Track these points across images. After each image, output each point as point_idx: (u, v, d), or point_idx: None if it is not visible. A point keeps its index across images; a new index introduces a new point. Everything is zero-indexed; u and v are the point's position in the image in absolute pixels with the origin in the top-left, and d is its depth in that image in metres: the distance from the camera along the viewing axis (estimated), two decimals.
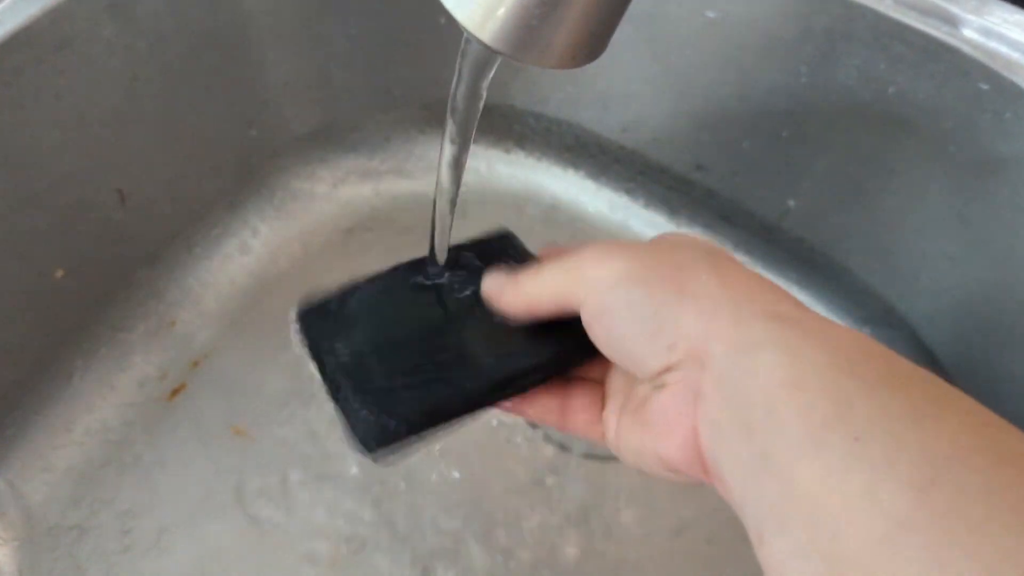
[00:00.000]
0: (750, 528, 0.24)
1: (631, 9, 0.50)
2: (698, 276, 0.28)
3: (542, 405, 0.35)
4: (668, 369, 0.28)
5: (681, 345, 0.27)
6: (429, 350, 0.34)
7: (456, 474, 0.55)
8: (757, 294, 0.27)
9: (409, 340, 0.35)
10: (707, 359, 0.26)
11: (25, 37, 0.44)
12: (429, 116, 0.66)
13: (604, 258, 0.29)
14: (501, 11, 0.23)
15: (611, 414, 0.33)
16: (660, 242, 0.31)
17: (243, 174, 0.62)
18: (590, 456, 0.56)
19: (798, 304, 0.27)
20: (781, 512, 0.23)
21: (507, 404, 0.34)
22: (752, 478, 0.24)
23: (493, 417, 0.57)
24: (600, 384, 0.35)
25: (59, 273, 0.52)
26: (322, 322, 0.36)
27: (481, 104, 0.29)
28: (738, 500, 0.25)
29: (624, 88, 0.60)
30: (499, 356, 0.34)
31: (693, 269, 0.28)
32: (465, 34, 0.24)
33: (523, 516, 0.53)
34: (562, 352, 0.34)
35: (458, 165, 0.32)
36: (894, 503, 0.20)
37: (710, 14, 0.52)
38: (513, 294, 0.33)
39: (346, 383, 0.33)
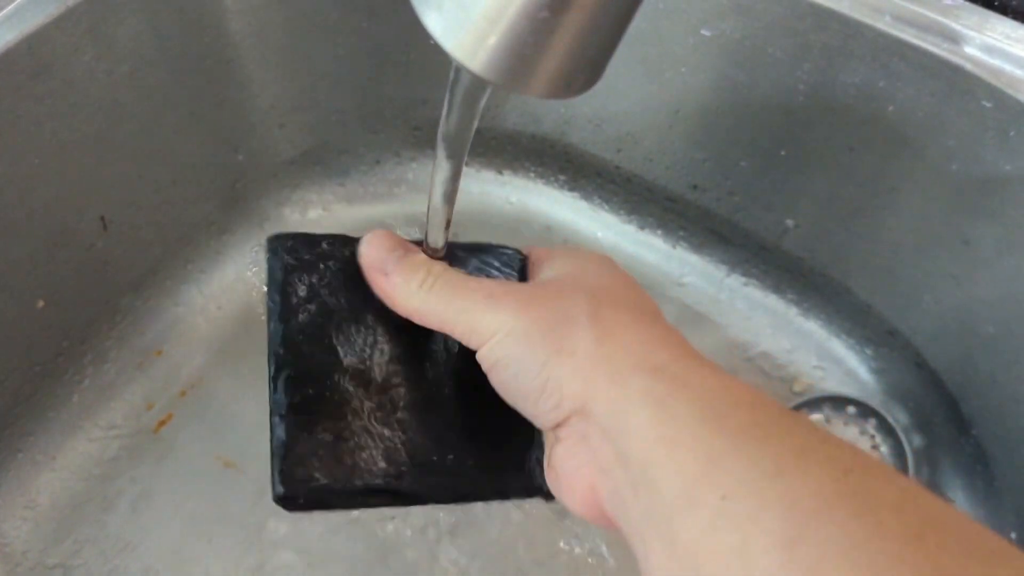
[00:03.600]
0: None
1: None
2: (576, 331, 0.28)
3: None
4: (559, 425, 0.28)
5: (566, 405, 0.27)
6: (391, 395, 0.32)
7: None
8: (633, 345, 0.28)
9: (374, 362, 0.33)
10: (590, 416, 0.27)
11: (2, 63, 0.43)
12: (420, 137, 0.65)
13: (492, 307, 0.29)
14: (492, 40, 0.21)
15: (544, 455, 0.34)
16: (553, 283, 0.31)
17: (230, 200, 0.61)
18: None
19: (677, 351, 0.28)
20: (667, 568, 0.24)
21: None
22: (640, 534, 0.25)
23: None
24: None
25: (40, 303, 0.51)
26: (297, 265, 0.33)
27: (473, 131, 0.28)
28: (635, 552, 0.26)
29: (618, 108, 0.59)
30: (463, 466, 0.32)
31: (572, 323, 0.28)
32: (455, 63, 0.23)
33: None
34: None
35: (450, 191, 0.31)
36: (764, 561, 0.21)
37: (705, 32, 0.51)
38: (401, 294, 0.31)
39: (288, 415, 0.31)
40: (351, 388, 0.32)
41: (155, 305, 0.59)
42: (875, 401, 0.58)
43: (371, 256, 0.32)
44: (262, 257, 0.63)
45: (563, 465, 0.29)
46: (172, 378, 0.58)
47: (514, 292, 0.30)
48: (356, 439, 0.31)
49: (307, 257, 0.33)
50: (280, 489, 0.31)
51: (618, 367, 0.27)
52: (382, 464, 0.31)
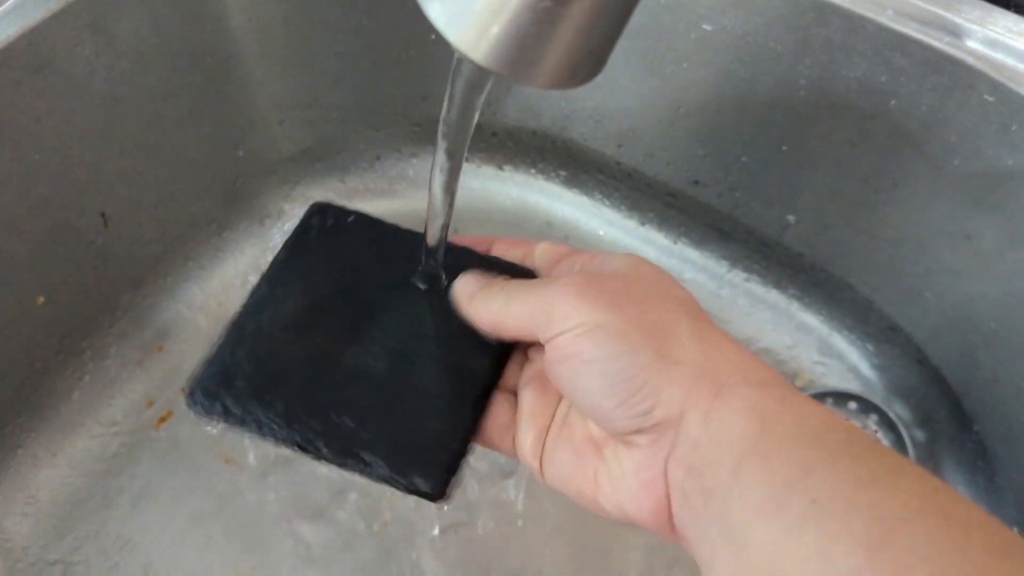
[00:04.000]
0: None
1: None
2: (680, 340, 0.27)
3: None
4: (639, 432, 0.27)
5: (658, 412, 0.27)
6: (333, 358, 0.33)
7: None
8: (737, 361, 0.27)
9: (338, 327, 0.34)
10: (682, 426, 0.26)
11: (2, 58, 0.43)
12: (420, 134, 0.65)
13: (580, 300, 0.28)
14: (495, 30, 0.21)
15: (530, 432, 0.32)
16: (634, 286, 0.30)
17: (230, 196, 0.61)
18: None
19: (771, 370, 0.28)
20: (733, 573, 0.24)
21: None
22: (708, 539, 0.25)
23: None
24: (512, 393, 0.34)
25: (40, 300, 0.51)
26: (322, 228, 0.36)
27: (474, 124, 0.28)
28: (699, 561, 0.26)
29: (619, 103, 0.59)
30: (376, 430, 0.32)
31: (674, 332, 0.28)
32: (457, 54, 0.23)
33: None
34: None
35: (450, 186, 0.31)
36: (846, 562, 0.21)
37: (706, 27, 0.51)
38: (482, 307, 0.32)
39: (242, 322, 0.33)
40: (300, 341, 0.33)
41: (155, 302, 0.59)
42: (877, 397, 0.58)
43: (461, 288, 0.33)
44: (260, 257, 0.63)
45: (637, 474, 0.28)
46: (173, 375, 0.58)
47: (597, 283, 0.29)
48: (278, 378, 0.32)
49: (330, 223, 0.37)
50: (187, 391, 0.32)
51: (724, 381, 0.26)
52: (286, 403, 0.32)
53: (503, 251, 0.37)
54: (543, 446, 0.32)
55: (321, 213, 0.37)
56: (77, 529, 0.52)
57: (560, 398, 0.33)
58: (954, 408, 0.55)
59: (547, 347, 0.29)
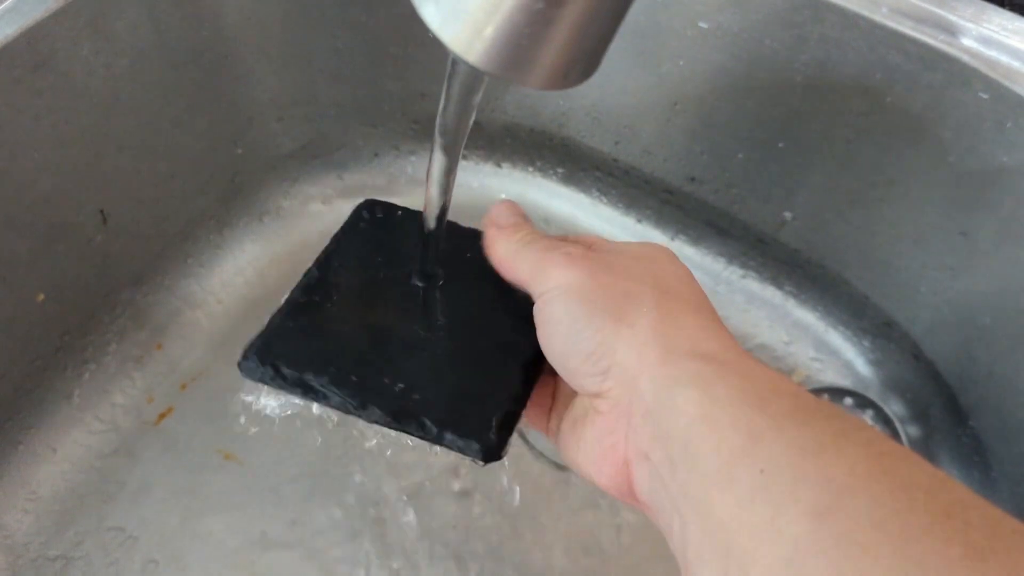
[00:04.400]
0: (678, 558, 0.26)
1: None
2: (640, 307, 0.29)
3: None
4: (600, 395, 0.29)
5: (614, 372, 0.28)
6: (383, 332, 0.34)
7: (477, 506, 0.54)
8: (690, 331, 0.28)
9: (383, 307, 0.35)
10: (635, 392, 0.28)
11: (1, 57, 0.43)
12: (418, 131, 0.65)
13: (567, 264, 0.30)
14: (489, 31, 0.22)
15: (556, 414, 0.34)
16: (624, 257, 0.31)
17: (229, 193, 0.61)
18: None
19: (727, 343, 0.28)
20: (700, 543, 0.24)
21: None
22: (676, 510, 0.25)
23: None
24: (554, 377, 0.35)
25: (40, 297, 0.51)
26: (367, 227, 0.38)
27: (470, 123, 0.28)
28: (665, 530, 0.27)
29: (616, 100, 0.59)
30: (425, 396, 0.33)
31: (638, 299, 0.29)
32: (452, 55, 0.23)
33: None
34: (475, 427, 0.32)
35: (446, 184, 0.31)
36: (794, 531, 0.22)
37: (703, 24, 0.51)
38: (498, 244, 0.34)
39: (295, 298, 0.35)
40: (352, 315, 0.35)
41: (155, 299, 0.59)
42: (873, 392, 0.58)
43: (494, 213, 0.35)
44: (259, 254, 0.63)
45: (599, 440, 0.29)
46: (172, 371, 0.58)
47: (590, 258, 0.31)
48: (330, 345, 0.34)
49: (379, 216, 0.39)
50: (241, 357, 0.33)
51: (673, 348, 0.27)
52: (360, 376, 0.33)
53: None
54: (558, 428, 0.33)
55: (370, 209, 0.39)
56: (78, 525, 0.52)
57: None
58: (950, 403, 0.55)
59: (535, 307, 0.31)
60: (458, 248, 0.37)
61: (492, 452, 0.32)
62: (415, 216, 0.38)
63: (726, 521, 0.23)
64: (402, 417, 0.32)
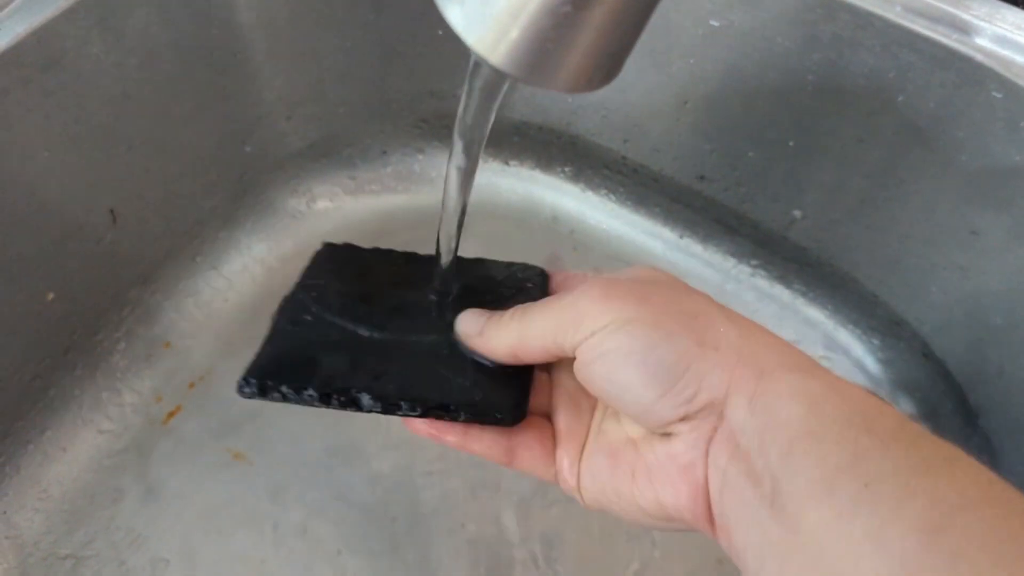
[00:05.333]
0: (751, 574, 0.25)
1: None
2: (716, 326, 0.27)
3: (488, 441, 0.33)
4: (683, 419, 0.27)
5: (702, 397, 0.27)
6: (378, 326, 0.35)
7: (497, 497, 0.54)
8: (776, 347, 0.27)
9: (375, 310, 0.36)
10: (726, 410, 0.26)
11: (12, 57, 0.43)
12: (427, 129, 0.65)
13: (608, 300, 0.28)
14: (514, 34, 0.21)
15: (567, 453, 0.32)
16: (656, 285, 0.30)
17: (238, 191, 0.61)
18: None
19: (807, 357, 0.28)
20: (783, 553, 0.23)
21: (450, 439, 0.33)
22: (756, 522, 0.25)
23: None
24: (547, 419, 0.34)
25: (50, 296, 0.51)
26: (334, 258, 0.38)
27: (490, 125, 0.28)
28: (739, 546, 0.26)
29: (625, 98, 0.59)
30: (427, 378, 0.33)
31: (708, 318, 0.28)
32: (474, 57, 0.23)
33: None
34: (490, 403, 0.32)
35: (466, 186, 0.31)
36: (901, 546, 0.21)
37: (714, 23, 0.51)
38: (496, 338, 0.32)
39: (286, 313, 0.35)
40: (341, 330, 0.35)
41: (163, 298, 0.59)
42: (882, 391, 0.58)
43: (466, 325, 0.33)
44: (267, 253, 0.63)
45: (674, 459, 0.28)
46: (181, 370, 0.58)
47: (619, 284, 0.29)
48: (330, 356, 0.34)
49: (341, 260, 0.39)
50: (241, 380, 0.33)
51: (766, 364, 0.26)
52: (359, 369, 0.33)
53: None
54: (580, 462, 0.32)
55: (329, 251, 0.39)
56: (87, 524, 0.52)
57: (593, 412, 0.33)
58: (959, 402, 0.55)
59: (579, 350, 0.28)
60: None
61: (513, 412, 0.32)
62: (380, 254, 0.39)
63: (820, 532, 0.22)
64: (420, 402, 0.32)
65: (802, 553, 0.23)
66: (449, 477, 0.54)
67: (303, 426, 0.56)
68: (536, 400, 0.34)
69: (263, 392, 0.32)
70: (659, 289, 0.29)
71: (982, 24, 0.45)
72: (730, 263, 0.63)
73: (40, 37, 0.44)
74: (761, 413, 0.25)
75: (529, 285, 0.37)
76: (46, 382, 0.53)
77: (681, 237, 0.64)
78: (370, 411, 0.32)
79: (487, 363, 0.33)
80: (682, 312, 0.28)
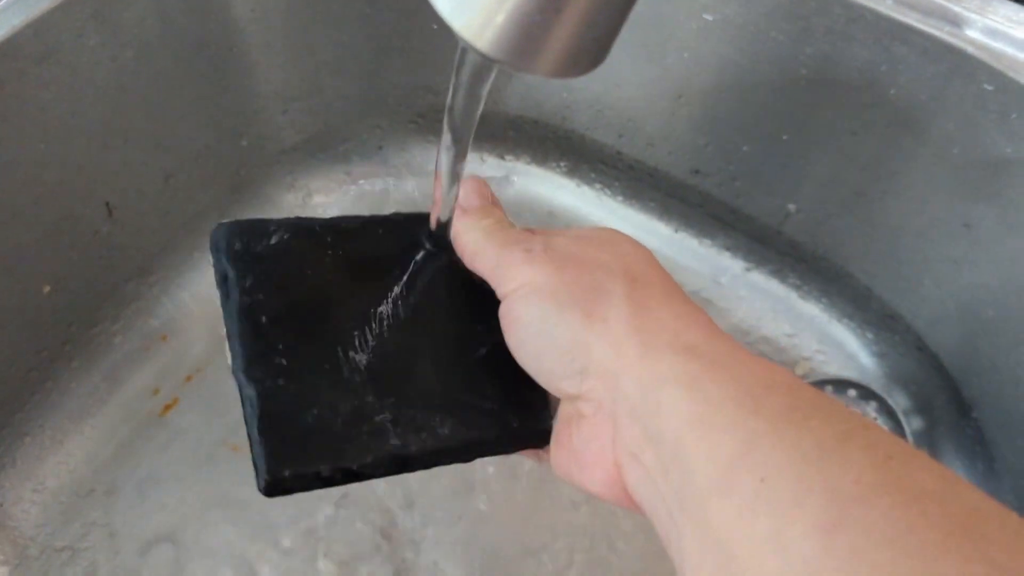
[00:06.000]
0: (676, 566, 0.24)
1: None
2: (611, 300, 0.27)
3: None
4: (582, 397, 0.28)
5: (592, 371, 0.27)
6: (372, 356, 0.30)
7: (482, 506, 0.54)
8: (668, 322, 0.27)
9: (347, 320, 0.30)
10: (617, 391, 0.26)
11: (7, 49, 0.43)
12: (423, 124, 0.66)
13: (527, 261, 0.29)
14: (500, 18, 0.22)
15: None
16: (585, 246, 0.30)
17: (234, 185, 0.61)
18: None
19: (709, 331, 0.27)
20: (696, 553, 0.23)
21: None
22: (671, 518, 0.24)
23: None
24: None
25: (46, 289, 0.51)
26: (250, 249, 0.30)
27: (479, 113, 0.28)
28: (663, 536, 0.25)
29: (620, 93, 0.59)
30: (453, 409, 0.30)
31: (608, 292, 0.28)
32: (461, 43, 0.23)
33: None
34: (525, 429, 0.31)
35: (456, 173, 0.31)
36: (800, 546, 0.20)
37: (707, 16, 0.51)
38: (464, 234, 0.32)
39: (255, 364, 0.28)
40: (326, 365, 0.30)
41: (160, 291, 0.59)
42: (876, 384, 0.59)
43: (462, 192, 0.33)
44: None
45: (586, 444, 0.28)
46: (178, 363, 0.58)
47: (552, 252, 0.29)
48: (339, 414, 0.29)
49: (258, 248, 0.31)
50: (265, 478, 0.27)
51: (651, 342, 0.26)
52: (372, 436, 0.29)
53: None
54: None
55: (228, 236, 0.31)
56: (84, 516, 0.52)
57: None
58: (953, 395, 0.55)
59: (501, 306, 0.30)
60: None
61: (549, 433, 0.31)
62: (300, 229, 0.32)
63: (725, 533, 0.22)
64: (471, 446, 0.30)
65: (711, 552, 0.22)
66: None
67: None
68: None
69: (290, 490, 0.28)
70: (584, 252, 0.29)
71: (973, 16, 0.45)
72: (725, 257, 0.63)
73: (36, 29, 0.44)
74: (650, 396, 0.25)
75: None
76: (43, 375, 0.53)
77: (676, 231, 0.65)
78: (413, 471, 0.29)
79: (487, 342, 0.32)
80: (585, 283, 0.28)
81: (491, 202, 0.33)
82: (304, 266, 0.31)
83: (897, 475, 0.21)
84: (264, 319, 0.30)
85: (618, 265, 0.29)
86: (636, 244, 0.31)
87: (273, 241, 0.31)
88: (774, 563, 0.21)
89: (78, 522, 0.52)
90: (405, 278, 0.33)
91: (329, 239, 0.32)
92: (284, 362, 0.29)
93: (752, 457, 0.22)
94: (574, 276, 0.28)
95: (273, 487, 0.28)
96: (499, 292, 0.30)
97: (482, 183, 0.34)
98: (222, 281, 0.31)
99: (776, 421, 0.23)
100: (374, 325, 0.31)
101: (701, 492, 0.23)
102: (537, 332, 0.28)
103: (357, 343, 0.30)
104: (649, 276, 0.29)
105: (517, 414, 0.31)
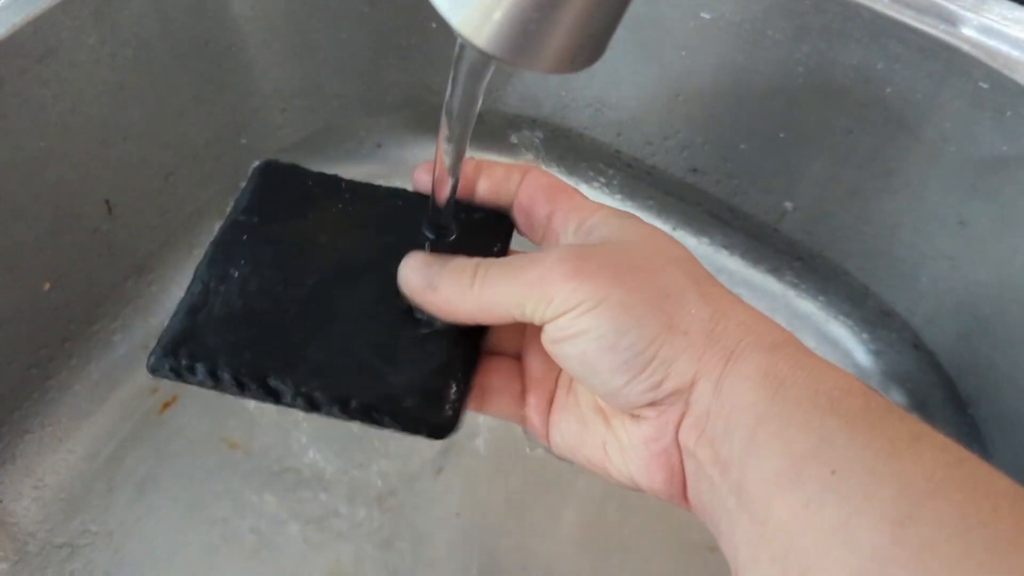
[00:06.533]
0: (729, 561, 0.24)
1: None
2: (687, 307, 0.26)
3: None
4: (650, 405, 0.27)
5: (668, 384, 0.26)
6: (316, 298, 0.31)
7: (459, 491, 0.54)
8: (749, 323, 0.26)
9: (316, 264, 0.32)
10: (692, 395, 0.26)
11: (7, 47, 0.43)
12: (422, 122, 0.66)
13: (578, 276, 0.26)
14: (498, 15, 0.22)
15: (537, 401, 0.32)
16: (632, 251, 0.28)
17: (234, 182, 0.61)
18: None
19: (779, 332, 0.27)
20: (754, 545, 0.23)
21: None
22: (726, 511, 0.24)
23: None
24: (516, 360, 0.33)
25: (46, 286, 0.51)
26: (276, 185, 0.34)
27: (477, 109, 0.28)
28: (715, 531, 0.25)
29: (617, 92, 0.59)
30: (360, 366, 0.30)
31: (681, 298, 0.26)
32: (459, 39, 0.24)
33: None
34: (420, 415, 0.30)
35: (454, 172, 0.31)
36: (870, 537, 0.20)
37: (704, 15, 0.51)
38: (448, 297, 0.29)
39: (212, 264, 0.32)
40: (270, 291, 0.32)
41: (160, 289, 0.59)
42: (873, 382, 0.59)
43: (413, 280, 0.30)
44: None
45: (646, 446, 0.27)
46: None
47: (592, 256, 0.27)
48: (252, 328, 0.30)
49: (279, 187, 0.35)
50: (154, 354, 0.31)
51: (734, 346, 0.25)
52: (266, 358, 0.30)
53: (490, 176, 0.34)
54: (549, 413, 0.31)
55: (269, 172, 0.35)
56: (83, 513, 0.52)
57: None
58: (949, 392, 0.55)
59: (548, 327, 0.27)
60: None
61: (444, 429, 0.30)
62: (328, 182, 0.35)
63: (788, 523, 0.22)
64: (344, 407, 0.30)
65: (772, 544, 0.22)
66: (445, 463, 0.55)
67: (300, 414, 0.56)
68: (506, 340, 0.33)
69: (173, 371, 0.30)
70: (634, 257, 0.28)
71: (968, 15, 0.45)
72: (722, 255, 0.64)
73: (36, 27, 0.44)
74: (727, 397, 0.25)
75: (478, 216, 0.34)
76: (44, 372, 0.54)
77: (674, 229, 0.65)
78: (290, 407, 0.30)
79: (433, 327, 0.31)
80: (655, 292, 0.26)
81: (435, 257, 0.31)
82: (307, 212, 0.34)
83: (969, 475, 0.21)
84: (243, 237, 0.33)
85: (674, 265, 0.28)
86: (668, 236, 0.30)
87: (295, 184, 0.35)
88: (840, 554, 0.21)
89: (78, 519, 0.52)
90: (386, 247, 0.33)
91: (347, 196, 0.34)
92: (235, 274, 0.32)
93: (825, 451, 0.22)
94: (639, 283, 0.26)
95: (157, 367, 0.30)
96: (544, 317, 0.27)
97: (415, 257, 0.31)
98: (233, 203, 0.35)
99: (851, 420, 0.23)
100: (331, 275, 0.32)
101: (767, 484, 0.23)
102: (611, 347, 0.26)
103: (309, 283, 0.32)
104: (704, 273, 0.28)
105: (416, 397, 0.30)
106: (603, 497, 0.54)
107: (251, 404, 0.56)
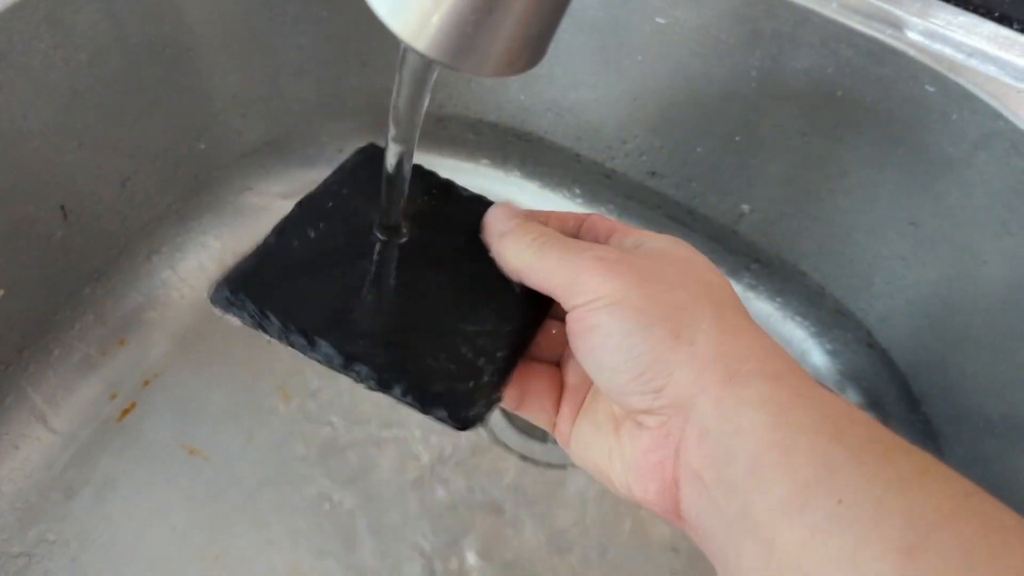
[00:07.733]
0: None
1: (581, 16, 0.50)
2: (698, 323, 0.27)
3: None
4: (649, 412, 0.27)
5: (668, 391, 0.26)
6: (378, 273, 0.33)
7: (440, 492, 0.54)
8: (755, 350, 0.27)
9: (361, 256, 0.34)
10: (692, 411, 0.26)
11: None
12: (384, 126, 0.65)
13: (607, 274, 0.28)
14: (435, 19, 0.22)
15: (568, 407, 0.33)
16: (666, 266, 0.29)
17: (193, 188, 0.61)
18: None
19: (790, 362, 0.27)
20: (760, 571, 0.23)
21: None
22: (731, 536, 0.24)
23: None
24: (556, 367, 0.34)
25: (0, 293, 0.51)
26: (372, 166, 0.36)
27: (423, 110, 0.29)
28: (716, 556, 0.25)
29: (577, 96, 0.60)
30: (401, 343, 0.31)
31: (693, 313, 0.27)
32: (402, 44, 0.24)
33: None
34: (446, 399, 0.31)
35: (404, 169, 0.32)
36: (877, 567, 0.20)
37: (660, 20, 0.52)
38: (511, 251, 0.32)
39: (292, 221, 0.34)
40: (342, 258, 0.33)
41: (118, 295, 0.59)
42: (830, 382, 0.60)
43: (493, 223, 0.33)
44: (223, 251, 0.63)
45: (644, 455, 0.28)
46: (135, 367, 0.58)
47: (627, 261, 0.29)
48: (317, 288, 0.32)
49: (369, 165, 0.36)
50: (218, 289, 0.32)
51: (737, 369, 0.26)
52: (327, 321, 0.31)
53: (557, 226, 0.35)
54: (575, 420, 0.32)
55: (370, 154, 0.37)
56: (40, 522, 0.52)
57: None
58: (903, 390, 0.56)
59: (568, 316, 0.29)
60: (432, 200, 0.36)
61: (461, 424, 0.30)
62: (422, 175, 0.38)
63: (794, 552, 0.22)
64: (387, 381, 0.31)
65: (779, 572, 0.22)
66: (417, 472, 0.55)
67: (259, 419, 0.56)
68: (548, 347, 0.34)
69: (230, 303, 0.31)
70: (665, 271, 0.29)
71: (914, 19, 0.46)
72: None
73: None
74: (729, 419, 0.25)
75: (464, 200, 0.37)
76: None
77: None
78: (327, 365, 0.31)
79: (482, 326, 0.32)
80: (671, 302, 0.27)
81: (524, 219, 0.33)
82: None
83: (978, 508, 0.21)
84: (329, 204, 0.35)
85: (701, 286, 0.28)
86: (710, 264, 0.31)
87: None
88: None
89: (35, 528, 0.52)
90: (455, 244, 0.35)
91: (434, 191, 0.37)
92: (312, 234, 0.34)
93: (830, 480, 0.22)
94: (657, 292, 0.28)
95: (216, 298, 0.32)
96: (569, 303, 0.29)
97: (508, 207, 0.34)
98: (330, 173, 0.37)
99: (857, 450, 0.23)
100: (397, 255, 0.34)
101: (772, 511, 0.23)
102: (616, 347, 0.27)
103: (374, 258, 0.34)
104: (732, 301, 0.29)
105: (449, 386, 0.31)
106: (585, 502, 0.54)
107: (211, 412, 0.56)
